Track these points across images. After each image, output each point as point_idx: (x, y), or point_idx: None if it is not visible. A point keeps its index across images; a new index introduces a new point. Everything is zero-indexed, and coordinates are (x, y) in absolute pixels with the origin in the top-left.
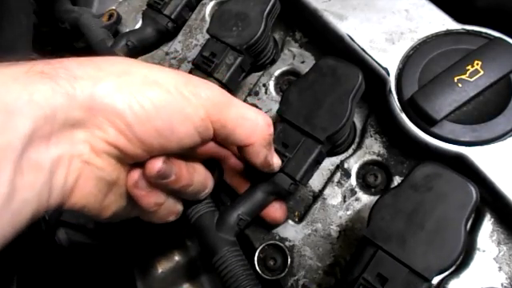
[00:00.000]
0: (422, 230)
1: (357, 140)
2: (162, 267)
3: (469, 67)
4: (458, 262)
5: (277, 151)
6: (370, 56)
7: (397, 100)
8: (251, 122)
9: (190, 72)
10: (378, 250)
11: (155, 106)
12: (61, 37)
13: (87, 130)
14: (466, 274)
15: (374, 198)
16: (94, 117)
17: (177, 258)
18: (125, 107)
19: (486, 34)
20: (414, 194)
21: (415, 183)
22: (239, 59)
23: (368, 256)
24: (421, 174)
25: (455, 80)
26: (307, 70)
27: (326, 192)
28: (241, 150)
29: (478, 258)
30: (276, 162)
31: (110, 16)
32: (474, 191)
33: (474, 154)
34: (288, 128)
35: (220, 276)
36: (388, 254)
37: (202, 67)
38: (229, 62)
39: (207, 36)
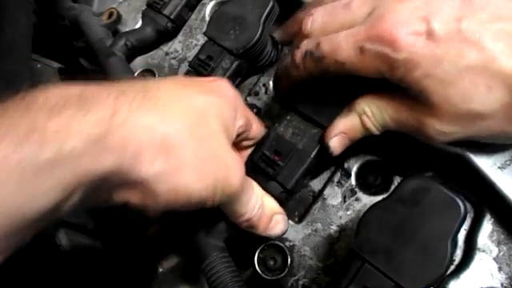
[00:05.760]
0: (409, 245)
1: None
2: (162, 267)
3: None
4: (445, 276)
5: (269, 159)
6: None
7: None
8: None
9: (187, 74)
10: (365, 263)
11: (188, 198)
12: (60, 36)
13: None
14: (466, 274)
15: (373, 198)
16: (136, 189)
17: (177, 257)
18: (164, 193)
19: None
20: (402, 208)
21: (403, 197)
22: (235, 63)
23: (355, 268)
24: (409, 187)
25: None
26: None
27: (326, 192)
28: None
29: (478, 258)
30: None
31: (110, 15)
32: (461, 207)
33: (475, 154)
34: (281, 135)
35: (208, 282)
36: (374, 267)
37: (198, 70)
38: (225, 66)
39: None
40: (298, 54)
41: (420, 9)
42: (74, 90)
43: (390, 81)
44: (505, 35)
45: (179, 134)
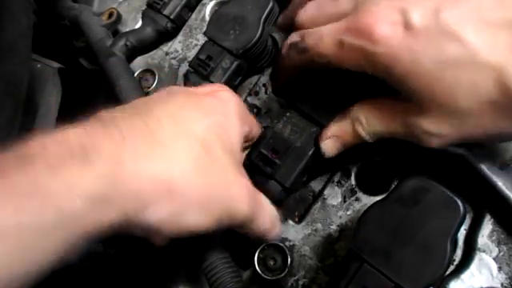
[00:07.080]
0: (408, 245)
1: None
2: (163, 267)
3: None
4: (444, 276)
5: (266, 158)
6: None
7: None
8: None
9: (186, 74)
10: (364, 263)
11: (193, 232)
12: (60, 36)
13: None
14: (466, 274)
15: (373, 198)
16: (140, 230)
17: (177, 258)
18: (168, 231)
19: None
20: (401, 208)
21: (402, 196)
22: (235, 63)
23: (354, 269)
24: (408, 187)
25: None
26: None
27: (326, 192)
28: None
29: (477, 258)
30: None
31: (110, 15)
32: (461, 206)
33: (475, 154)
34: (279, 133)
35: (209, 283)
36: (373, 267)
37: (198, 70)
38: (225, 66)
39: None
40: (285, 46)
41: (399, 0)
42: (72, 138)
43: (377, 77)
44: (487, 26)
45: (184, 176)
